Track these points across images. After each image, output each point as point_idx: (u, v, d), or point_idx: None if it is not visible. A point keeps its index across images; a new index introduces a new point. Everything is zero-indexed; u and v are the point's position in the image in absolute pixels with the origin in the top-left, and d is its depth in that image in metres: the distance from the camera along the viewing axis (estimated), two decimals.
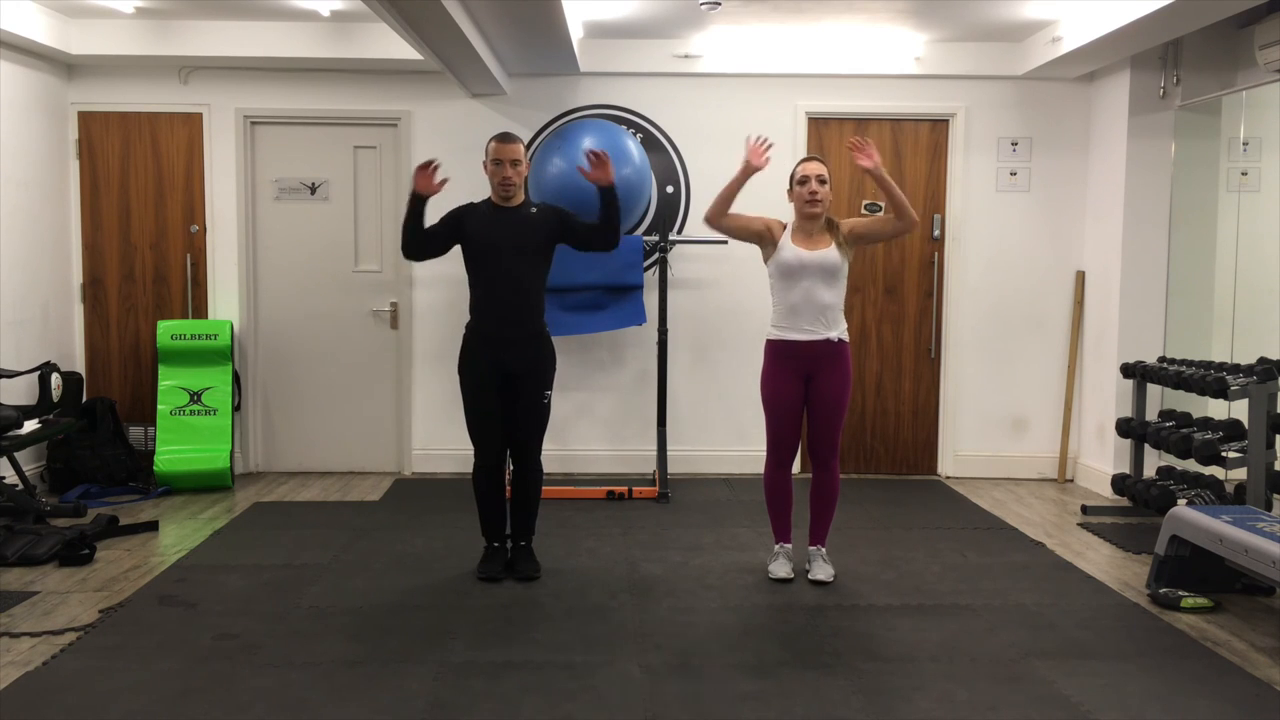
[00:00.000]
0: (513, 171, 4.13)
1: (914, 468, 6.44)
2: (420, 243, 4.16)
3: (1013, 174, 6.25)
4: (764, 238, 4.20)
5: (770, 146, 4.14)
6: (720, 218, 4.15)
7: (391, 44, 5.51)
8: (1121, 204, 5.81)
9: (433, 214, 4.13)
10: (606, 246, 4.25)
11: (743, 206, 4.16)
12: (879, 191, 6.23)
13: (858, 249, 4.28)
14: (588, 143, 5.32)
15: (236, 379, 6.10)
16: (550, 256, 4.27)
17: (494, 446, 4.26)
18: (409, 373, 6.28)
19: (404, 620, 3.82)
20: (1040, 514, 5.51)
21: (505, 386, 4.20)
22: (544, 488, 4.49)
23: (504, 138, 4.17)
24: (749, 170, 4.08)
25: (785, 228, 4.20)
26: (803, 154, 5.88)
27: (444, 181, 4.13)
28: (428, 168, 4.06)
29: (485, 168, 4.19)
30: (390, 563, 4.53)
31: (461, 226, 4.18)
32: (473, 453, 4.28)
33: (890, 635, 3.72)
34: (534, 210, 4.22)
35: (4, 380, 5.31)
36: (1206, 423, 4.98)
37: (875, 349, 6.35)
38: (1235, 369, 4.81)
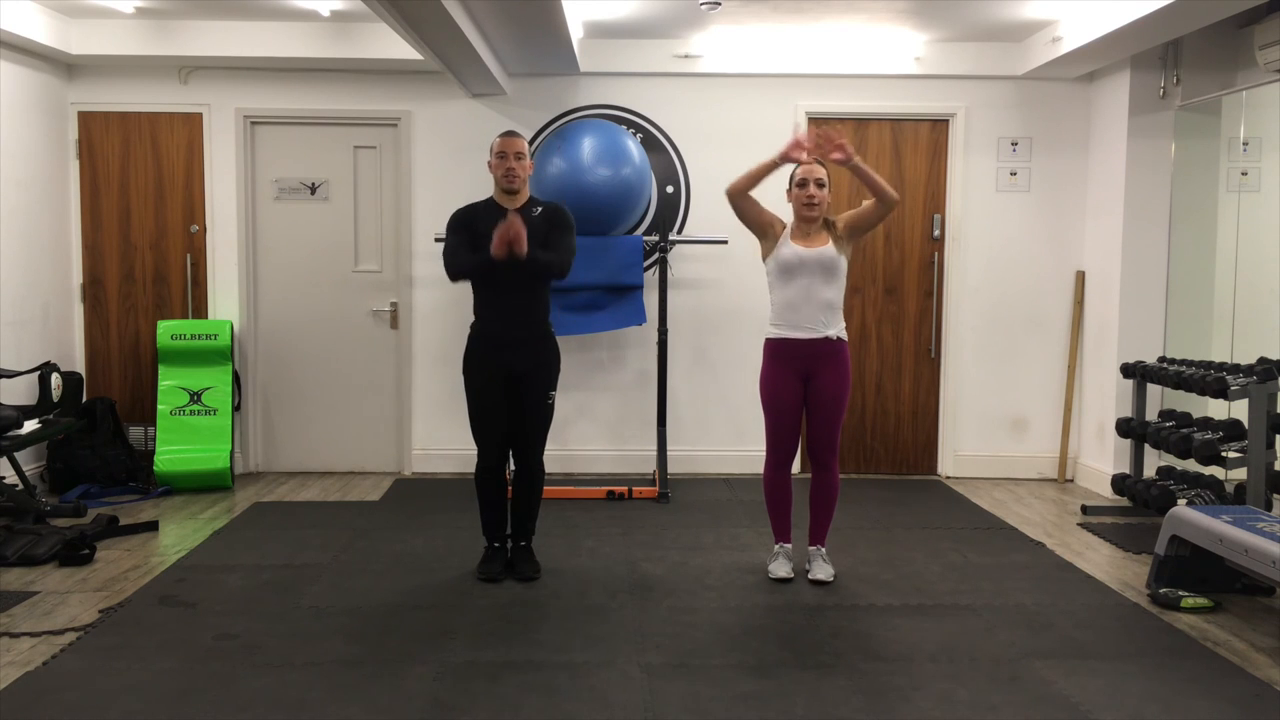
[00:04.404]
0: (516, 164, 4.14)
1: (914, 468, 6.44)
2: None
3: (1013, 174, 6.25)
4: (767, 232, 4.22)
5: (812, 147, 4.05)
6: (741, 195, 4.16)
7: (391, 44, 5.52)
8: (1121, 204, 5.81)
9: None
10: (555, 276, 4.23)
11: None
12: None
13: (856, 246, 4.29)
14: (588, 152, 5.24)
15: (236, 379, 6.10)
16: None
17: (497, 447, 4.27)
18: (409, 373, 6.28)
19: (404, 620, 3.82)
20: (1040, 514, 5.51)
21: (509, 387, 4.20)
22: (545, 488, 4.48)
23: (508, 134, 4.22)
24: (785, 159, 4.06)
25: (786, 227, 4.23)
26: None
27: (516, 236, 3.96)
28: (512, 233, 3.90)
29: (490, 166, 4.20)
30: (390, 563, 4.53)
31: (473, 229, 4.16)
32: (474, 453, 4.28)
33: (890, 635, 3.72)
34: (538, 211, 4.22)
35: (4, 380, 5.31)
36: (1206, 423, 4.98)
37: (875, 349, 6.35)
38: (1235, 369, 4.81)
